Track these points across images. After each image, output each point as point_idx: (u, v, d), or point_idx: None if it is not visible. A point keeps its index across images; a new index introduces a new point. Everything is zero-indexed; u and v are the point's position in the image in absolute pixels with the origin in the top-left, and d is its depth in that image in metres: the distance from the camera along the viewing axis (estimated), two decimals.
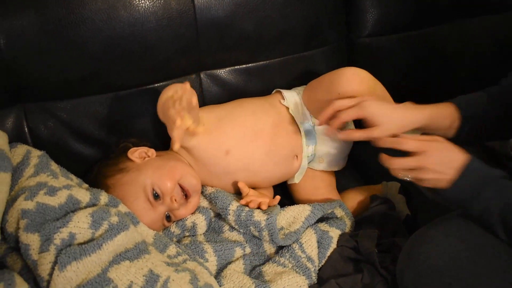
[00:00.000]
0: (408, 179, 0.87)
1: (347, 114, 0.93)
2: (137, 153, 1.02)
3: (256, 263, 0.98)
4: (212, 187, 1.05)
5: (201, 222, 1.00)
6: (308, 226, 1.00)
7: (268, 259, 0.98)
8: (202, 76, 1.13)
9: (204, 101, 1.15)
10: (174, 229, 0.99)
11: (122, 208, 0.91)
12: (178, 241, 0.98)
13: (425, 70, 1.34)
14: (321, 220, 1.04)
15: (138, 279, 0.78)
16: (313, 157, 1.13)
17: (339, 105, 0.94)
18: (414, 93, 1.06)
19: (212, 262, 0.93)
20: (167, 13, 1.01)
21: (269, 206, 1.01)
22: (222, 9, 1.05)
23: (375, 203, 1.07)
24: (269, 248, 1.00)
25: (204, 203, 1.04)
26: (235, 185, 1.06)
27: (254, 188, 1.07)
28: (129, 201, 0.94)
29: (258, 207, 1.00)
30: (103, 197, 0.89)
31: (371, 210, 1.06)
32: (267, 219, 0.95)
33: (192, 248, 0.94)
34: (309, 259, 0.95)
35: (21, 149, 0.95)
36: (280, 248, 1.00)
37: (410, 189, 1.09)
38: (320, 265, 0.97)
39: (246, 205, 1.00)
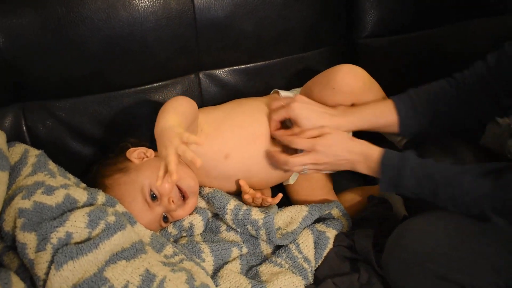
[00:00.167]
0: (306, 173, 0.98)
1: (277, 115, 1.00)
2: (135, 154, 1.01)
3: (253, 263, 0.98)
4: (210, 187, 1.05)
5: (198, 223, 1.00)
6: (305, 227, 1.00)
7: (265, 259, 0.98)
8: (201, 76, 1.14)
9: (202, 101, 1.15)
10: (172, 229, 0.99)
11: (119, 207, 0.91)
12: (175, 241, 0.98)
13: (424, 71, 1.33)
14: (318, 220, 1.04)
15: (135, 278, 0.78)
16: None
17: (274, 105, 1.01)
18: None
19: (209, 262, 0.93)
20: (166, 13, 1.01)
21: (266, 206, 1.02)
22: (222, 9, 1.05)
23: (372, 204, 1.08)
24: (266, 249, 1.00)
25: (202, 204, 1.04)
26: (232, 186, 1.06)
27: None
28: (127, 202, 0.94)
29: (257, 205, 1.01)
30: (100, 197, 0.90)
31: (368, 210, 1.07)
32: (265, 217, 0.95)
33: (189, 248, 0.94)
34: (306, 259, 0.95)
35: (19, 148, 0.95)
36: (277, 249, 1.00)
37: None
38: (317, 265, 0.97)
39: (250, 201, 1.00)
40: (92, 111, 1.05)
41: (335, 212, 1.06)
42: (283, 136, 1.00)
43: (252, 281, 0.89)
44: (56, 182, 0.89)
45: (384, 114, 1.00)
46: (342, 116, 1.00)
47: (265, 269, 0.94)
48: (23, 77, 0.98)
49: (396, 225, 1.01)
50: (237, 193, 1.07)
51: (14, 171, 0.90)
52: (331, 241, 1.00)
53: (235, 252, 0.97)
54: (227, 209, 0.98)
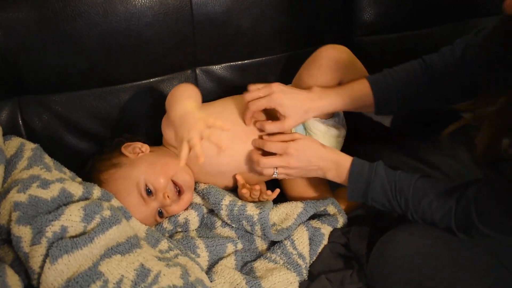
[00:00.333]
0: (276, 176, 0.99)
1: (257, 105, 0.99)
2: (130, 148, 1.02)
3: (247, 259, 0.98)
4: (205, 183, 1.05)
5: (193, 218, 1.00)
6: (300, 223, 1.01)
7: (259, 255, 0.99)
8: (197, 71, 1.14)
9: None
10: (167, 224, 0.99)
11: (115, 202, 0.91)
12: (170, 237, 0.99)
13: None
14: (313, 217, 1.04)
15: (129, 273, 0.78)
16: None
17: (251, 95, 0.99)
18: None
19: (204, 257, 0.94)
20: (163, 8, 1.01)
21: (261, 201, 1.02)
22: (219, 5, 1.05)
23: None
24: (261, 245, 1.01)
25: (197, 199, 1.04)
26: (227, 182, 1.06)
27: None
28: (122, 196, 0.94)
29: (254, 200, 1.01)
30: (96, 191, 0.90)
31: (363, 207, 1.07)
32: (260, 213, 0.96)
33: (184, 243, 0.94)
34: (300, 256, 0.96)
35: (15, 142, 0.95)
36: (271, 245, 1.00)
37: None
38: (311, 262, 0.97)
39: (247, 196, 1.00)
40: (88, 105, 1.05)
41: (330, 208, 1.07)
42: (256, 140, 1.01)
43: (246, 277, 0.89)
44: (51, 176, 0.89)
45: (360, 95, 1.01)
46: (321, 98, 1.00)
47: (260, 265, 0.94)
48: (19, 71, 0.98)
49: (391, 223, 1.03)
50: (232, 189, 1.07)
51: (9, 165, 0.90)
52: (326, 237, 1.00)
53: (230, 248, 0.97)
54: (222, 204, 0.98)
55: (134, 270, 0.79)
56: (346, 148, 1.20)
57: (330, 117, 1.13)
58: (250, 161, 1.03)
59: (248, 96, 1.00)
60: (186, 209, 1.02)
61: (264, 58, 1.18)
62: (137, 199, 0.95)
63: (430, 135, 0.95)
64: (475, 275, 0.77)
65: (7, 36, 0.94)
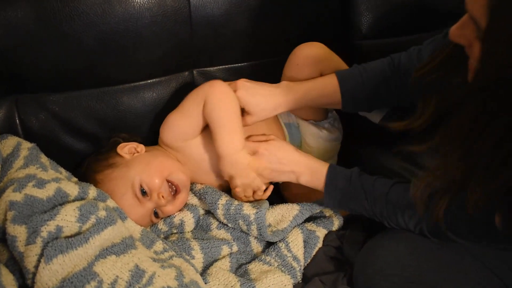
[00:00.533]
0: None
1: None
2: (126, 149, 1.02)
3: (242, 261, 0.98)
4: (202, 184, 1.06)
5: (189, 220, 1.00)
6: (296, 226, 1.01)
7: (254, 257, 0.99)
8: (195, 73, 1.14)
9: None
10: (162, 226, 0.99)
11: (110, 202, 0.91)
12: (166, 238, 0.99)
13: None
14: (308, 219, 1.05)
15: (124, 274, 0.78)
16: None
17: None
18: None
19: (199, 259, 0.94)
20: (162, 10, 1.01)
21: (258, 201, 1.02)
22: (217, 7, 1.05)
23: None
24: (256, 247, 1.01)
25: (193, 201, 1.04)
26: (224, 182, 1.06)
27: None
28: (117, 197, 0.94)
29: (249, 200, 1.02)
30: (92, 191, 0.90)
31: None
32: (256, 213, 0.96)
33: (179, 244, 0.95)
34: (295, 258, 0.96)
35: (11, 141, 0.95)
36: (266, 247, 1.00)
37: None
38: (306, 264, 0.98)
39: (241, 195, 1.00)
40: (85, 105, 1.05)
41: (326, 210, 1.07)
42: None
43: (241, 279, 0.89)
44: (47, 175, 0.89)
45: (329, 92, 1.01)
46: (288, 93, 1.01)
47: (254, 267, 0.94)
48: (17, 70, 0.98)
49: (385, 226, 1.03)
50: (228, 190, 1.07)
51: (6, 164, 0.90)
52: (321, 240, 1.00)
53: (225, 250, 0.97)
54: (218, 204, 0.98)
55: (129, 271, 0.79)
56: (345, 150, 1.21)
57: (323, 119, 1.13)
58: None
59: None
60: (182, 210, 1.02)
61: (261, 61, 1.18)
62: (132, 199, 0.96)
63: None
64: (458, 276, 0.78)
65: (5, 34, 0.94)
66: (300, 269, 0.96)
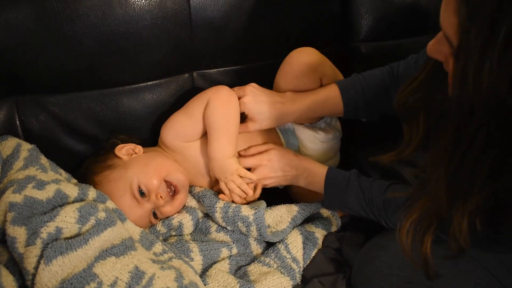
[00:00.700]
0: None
1: None
2: (124, 150, 1.02)
3: (242, 263, 0.98)
4: (201, 186, 1.06)
5: (187, 222, 1.00)
6: (295, 226, 1.01)
7: (254, 259, 0.99)
8: (194, 75, 1.14)
9: None
10: (160, 227, 0.99)
11: (110, 204, 0.92)
12: (164, 240, 0.99)
13: None
14: (307, 220, 1.05)
15: (124, 275, 0.79)
16: None
17: None
18: None
19: (198, 261, 0.94)
20: (162, 12, 1.01)
21: (254, 201, 1.03)
22: (217, 10, 1.05)
23: None
24: (256, 249, 1.01)
25: (192, 203, 1.04)
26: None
27: None
28: (116, 198, 0.94)
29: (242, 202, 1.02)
30: (91, 193, 0.90)
31: None
32: (255, 213, 0.96)
33: (178, 246, 0.95)
34: (294, 259, 0.96)
35: (11, 142, 0.95)
36: (266, 249, 1.00)
37: None
38: (305, 266, 0.98)
39: (229, 200, 1.01)
40: (85, 107, 1.05)
41: (324, 211, 1.07)
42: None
43: (240, 281, 0.90)
44: (47, 177, 0.89)
45: (332, 101, 1.03)
46: (293, 103, 1.02)
47: (254, 269, 0.95)
48: (17, 71, 0.98)
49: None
50: None
51: (5, 165, 0.90)
52: (320, 241, 1.01)
53: (224, 252, 0.98)
54: (216, 207, 0.99)
55: (129, 272, 0.79)
56: (346, 152, 1.22)
57: (318, 120, 1.14)
58: None
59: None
60: (181, 212, 1.02)
61: (261, 63, 1.18)
62: (130, 200, 0.96)
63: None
64: (456, 277, 0.78)
65: (5, 35, 0.94)
66: (299, 270, 0.96)
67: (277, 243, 0.99)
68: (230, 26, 1.08)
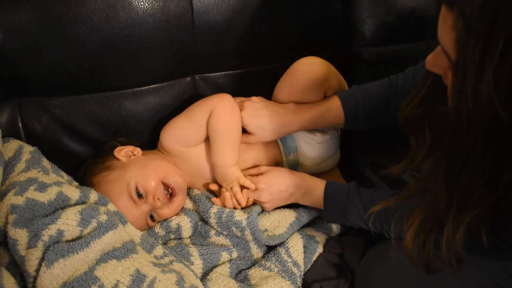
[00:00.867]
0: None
1: None
2: (123, 152, 1.03)
3: (242, 267, 0.98)
4: (198, 189, 1.06)
5: (186, 224, 1.00)
6: (293, 232, 1.01)
7: (254, 263, 0.99)
8: (196, 78, 1.14)
9: None
10: (159, 229, 0.99)
11: (111, 207, 0.92)
12: (164, 244, 0.98)
13: None
14: (307, 224, 1.05)
15: (125, 278, 0.79)
16: (296, 162, 1.14)
17: None
18: None
19: (198, 265, 0.94)
20: (165, 16, 1.01)
21: (248, 207, 1.03)
22: (220, 14, 1.06)
23: None
24: (257, 252, 1.01)
25: (190, 205, 1.04)
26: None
27: None
28: (113, 199, 0.94)
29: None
30: (93, 195, 0.90)
31: None
32: (248, 217, 0.96)
33: (178, 250, 0.94)
34: (295, 264, 0.96)
35: (13, 144, 0.96)
36: (267, 253, 1.00)
37: None
38: (305, 270, 0.98)
39: (220, 204, 1.01)
40: (88, 110, 1.05)
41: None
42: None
43: (241, 285, 0.89)
44: (49, 179, 0.89)
45: (334, 113, 1.04)
46: (295, 114, 1.04)
47: (254, 273, 0.94)
48: (20, 73, 0.98)
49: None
50: None
51: (7, 167, 0.90)
52: (321, 246, 1.00)
53: (224, 256, 0.97)
54: (210, 212, 0.99)
55: (130, 275, 0.79)
56: (346, 153, 1.22)
57: None
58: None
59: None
60: (179, 214, 1.02)
61: (263, 67, 1.18)
62: (127, 201, 0.96)
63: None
64: (459, 283, 0.78)
65: (8, 38, 0.94)
66: (300, 274, 0.96)
67: (278, 247, 0.99)
68: (232, 30, 1.09)
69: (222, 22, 1.07)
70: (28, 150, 0.95)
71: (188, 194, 1.06)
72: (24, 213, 0.80)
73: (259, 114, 1.02)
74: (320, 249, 1.00)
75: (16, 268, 0.80)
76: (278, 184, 1.00)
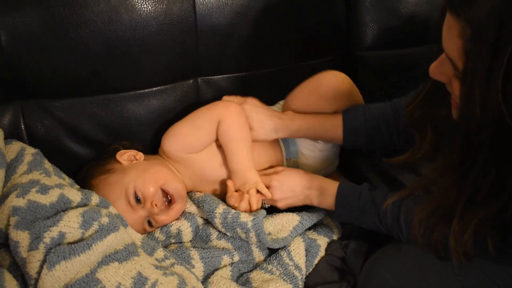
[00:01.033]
0: (266, 207, 1.04)
1: None
2: (125, 156, 1.03)
3: (244, 270, 0.98)
4: (200, 192, 1.06)
5: (186, 229, 1.00)
6: (296, 235, 1.01)
7: (256, 266, 0.99)
8: (199, 81, 1.14)
9: (199, 107, 1.15)
10: (159, 234, 0.99)
11: (113, 209, 0.91)
12: (165, 247, 0.98)
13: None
14: (309, 227, 1.04)
15: (126, 281, 0.78)
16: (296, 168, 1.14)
17: (226, 100, 1.08)
18: None
19: (199, 268, 0.93)
20: (168, 19, 1.02)
21: (255, 210, 1.02)
22: (223, 17, 1.06)
23: None
24: (258, 256, 1.00)
25: (191, 209, 1.04)
26: (223, 191, 1.07)
27: None
28: (111, 202, 0.94)
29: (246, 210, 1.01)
30: (94, 198, 0.90)
31: None
32: (253, 219, 0.96)
33: (179, 253, 0.94)
34: (297, 267, 0.96)
35: (15, 146, 0.96)
36: (268, 256, 1.00)
37: None
38: (307, 273, 0.97)
39: (236, 205, 1.00)
40: (90, 112, 1.05)
41: (326, 219, 1.07)
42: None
43: (242, 287, 0.89)
44: (51, 181, 0.89)
45: (331, 127, 1.05)
46: (291, 120, 1.06)
47: (256, 276, 0.94)
48: (23, 75, 0.98)
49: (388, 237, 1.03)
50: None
51: (9, 169, 0.90)
52: (323, 249, 1.00)
53: (225, 259, 0.97)
54: (216, 212, 0.98)
55: (131, 278, 0.79)
56: (345, 157, 1.21)
57: None
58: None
59: (226, 97, 1.09)
60: (179, 219, 1.01)
61: (265, 70, 1.18)
62: (125, 205, 0.95)
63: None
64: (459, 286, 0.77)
65: (12, 39, 0.94)
66: (302, 278, 0.96)
67: (279, 250, 0.98)
68: (235, 33, 1.09)
69: (225, 25, 1.07)
70: (30, 152, 0.95)
71: (190, 197, 1.05)
72: (25, 215, 0.80)
73: (259, 110, 1.05)
74: (322, 253, 0.99)
75: (18, 270, 0.80)
76: (292, 183, 1.01)
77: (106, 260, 0.80)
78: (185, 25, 1.04)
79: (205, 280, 0.93)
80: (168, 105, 1.11)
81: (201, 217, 1.04)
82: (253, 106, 1.06)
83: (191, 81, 1.14)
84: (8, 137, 0.98)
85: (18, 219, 0.80)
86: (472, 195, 0.61)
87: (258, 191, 1.01)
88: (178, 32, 1.04)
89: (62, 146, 1.06)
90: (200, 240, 1.02)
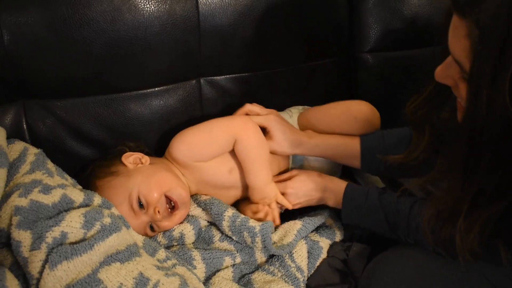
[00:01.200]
0: (282, 211, 1.07)
1: (255, 119, 1.06)
2: (131, 158, 1.01)
3: (246, 271, 0.97)
4: (206, 195, 1.05)
5: (188, 232, 0.99)
6: (300, 239, 1.01)
7: (258, 267, 0.98)
8: (202, 82, 1.14)
9: (202, 108, 1.15)
10: (161, 239, 0.98)
11: (115, 210, 0.91)
12: (167, 248, 0.98)
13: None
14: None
15: (128, 281, 0.78)
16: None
17: (250, 108, 1.09)
18: None
19: (201, 269, 0.93)
20: (171, 19, 1.02)
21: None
22: (226, 17, 1.06)
23: None
24: (260, 257, 1.00)
25: (195, 211, 1.03)
26: (231, 196, 1.08)
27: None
28: (114, 205, 0.93)
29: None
30: (97, 198, 0.90)
31: None
32: (262, 224, 0.95)
33: (180, 254, 0.94)
34: (299, 269, 0.96)
35: (18, 146, 0.95)
36: (270, 257, 1.00)
37: None
38: (309, 275, 0.97)
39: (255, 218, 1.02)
40: (92, 112, 1.05)
41: (328, 220, 1.07)
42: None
43: None
44: (53, 181, 0.89)
45: (349, 151, 1.06)
46: (311, 138, 1.07)
47: (258, 277, 0.94)
48: (26, 75, 0.98)
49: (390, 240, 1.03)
50: (234, 204, 1.09)
51: (12, 169, 0.90)
52: (325, 251, 1.00)
53: (227, 261, 0.97)
54: (224, 215, 0.98)
55: (133, 278, 0.79)
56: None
57: None
58: None
59: (250, 105, 1.09)
60: (182, 222, 1.01)
61: (268, 71, 1.18)
62: (128, 210, 0.95)
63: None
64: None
65: (15, 39, 0.94)
66: (303, 279, 0.95)
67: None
68: (238, 33, 1.09)
69: (227, 25, 1.07)
70: (33, 152, 0.95)
71: (195, 200, 1.05)
72: (28, 215, 0.80)
73: (285, 123, 1.07)
74: (324, 255, 0.99)
75: (19, 269, 0.80)
76: (306, 189, 1.03)
77: (108, 260, 0.80)
78: (188, 25, 1.04)
79: (206, 281, 0.93)
80: (171, 105, 1.11)
81: (205, 220, 1.04)
82: (279, 118, 1.07)
83: (194, 81, 1.14)
84: (10, 137, 0.98)
85: (20, 218, 0.79)
86: (477, 195, 0.62)
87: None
88: (180, 32, 1.04)
89: (64, 146, 1.05)
90: (202, 241, 1.01)
